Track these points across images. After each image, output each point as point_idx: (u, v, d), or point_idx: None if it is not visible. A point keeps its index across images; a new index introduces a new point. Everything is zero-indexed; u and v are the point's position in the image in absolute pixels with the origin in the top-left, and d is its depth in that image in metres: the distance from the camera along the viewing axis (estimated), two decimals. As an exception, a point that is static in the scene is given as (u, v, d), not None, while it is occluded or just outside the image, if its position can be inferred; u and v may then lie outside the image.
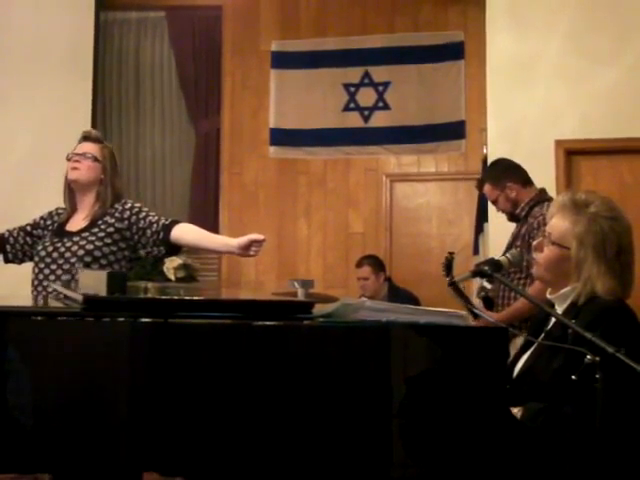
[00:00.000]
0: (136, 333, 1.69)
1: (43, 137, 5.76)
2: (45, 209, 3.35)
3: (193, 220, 7.00)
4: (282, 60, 6.87)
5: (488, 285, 3.91)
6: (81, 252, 3.04)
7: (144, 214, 3.14)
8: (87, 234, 3.09)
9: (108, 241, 3.08)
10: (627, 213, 2.28)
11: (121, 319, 1.69)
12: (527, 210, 3.90)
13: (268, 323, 1.71)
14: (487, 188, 4.11)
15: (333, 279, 6.58)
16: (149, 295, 2.45)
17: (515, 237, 3.90)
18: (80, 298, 1.75)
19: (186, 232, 3.12)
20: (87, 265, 3.01)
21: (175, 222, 3.13)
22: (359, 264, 5.93)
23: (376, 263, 5.90)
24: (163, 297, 2.23)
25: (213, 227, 6.98)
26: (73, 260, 3.04)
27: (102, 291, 1.81)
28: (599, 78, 5.06)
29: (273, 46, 6.90)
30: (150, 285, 3.32)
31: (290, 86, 6.85)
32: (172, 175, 7.16)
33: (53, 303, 2.17)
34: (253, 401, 1.67)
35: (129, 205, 3.17)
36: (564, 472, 1.87)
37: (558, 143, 5.01)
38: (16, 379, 1.66)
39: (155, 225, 3.10)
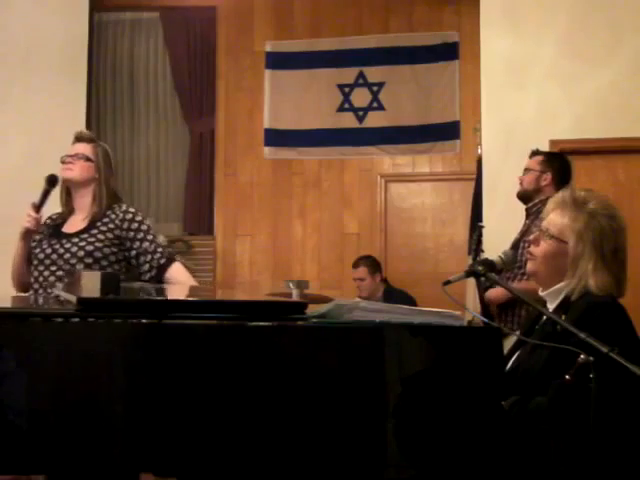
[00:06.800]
0: (130, 334, 1.69)
1: (37, 138, 5.75)
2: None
3: (188, 221, 7.03)
4: (276, 61, 6.88)
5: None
6: (81, 253, 3.02)
7: (142, 235, 3.12)
8: (86, 235, 3.08)
9: (108, 243, 3.07)
10: (622, 212, 2.30)
11: (115, 320, 1.69)
12: (540, 207, 3.82)
13: (261, 324, 1.71)
14: (535, 159, 4.14)
15: (328, 280, 6.58)
16: (143, 296, 2.44)
17: (524, 233, 3.85)
18: (74, 299, 1.75)
19: (179, 276, 3.14)
20: (88, 266, 2.99)
21: (170, 261, 3.14)
22: (356, 265, 5.93)
23: (372, 264, 5.90)
24: (157, 298, 2.22)
25: (208, 228, 6.99)
26: (73, 261, 3.02)
27: (96, 292, 1.81)
28: (593, 78, 5.07)
29: (267, 47, 6.90)
30: (144, 286, 3.31)
31: (285, 87, 6.86)
32: (167, 176, 7.16)
33: (48, 304, 2.17)
34: (247, 402, 1.66)
35: (130, 216, 3.14)
36: (559, 473, 1.87)
37: (552, 143, 5.02)
38: (10, 381, 1.65)
39: (150, 256, 3.11)
